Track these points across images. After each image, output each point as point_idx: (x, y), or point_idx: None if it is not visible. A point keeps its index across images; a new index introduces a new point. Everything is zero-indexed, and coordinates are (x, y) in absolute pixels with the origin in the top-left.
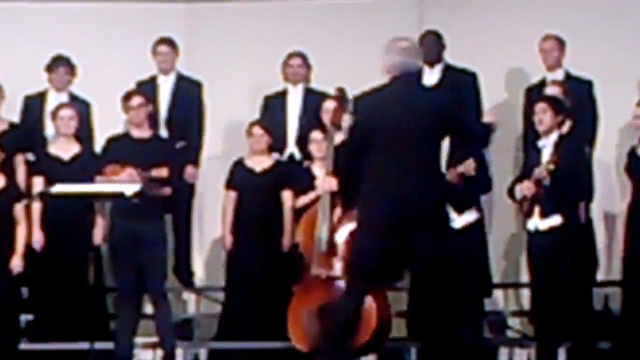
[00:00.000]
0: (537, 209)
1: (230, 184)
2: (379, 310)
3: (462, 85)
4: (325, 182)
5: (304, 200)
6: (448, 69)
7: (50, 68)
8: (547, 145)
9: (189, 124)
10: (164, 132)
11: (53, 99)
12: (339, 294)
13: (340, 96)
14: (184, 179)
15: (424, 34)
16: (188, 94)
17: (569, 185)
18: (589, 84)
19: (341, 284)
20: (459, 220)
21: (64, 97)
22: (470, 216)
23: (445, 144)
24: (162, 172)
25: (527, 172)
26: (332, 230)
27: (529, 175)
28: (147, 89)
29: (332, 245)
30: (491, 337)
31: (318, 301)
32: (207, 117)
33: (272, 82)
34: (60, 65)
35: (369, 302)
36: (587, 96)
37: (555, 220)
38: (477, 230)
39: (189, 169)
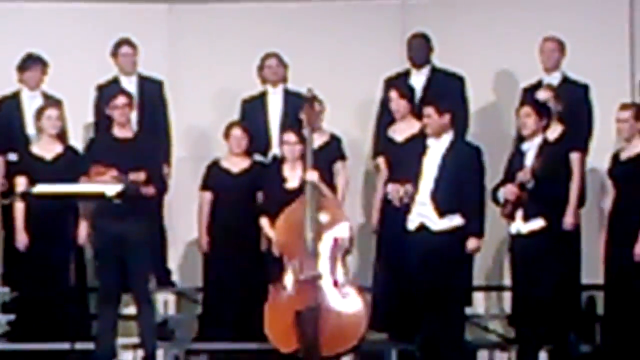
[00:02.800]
0: (519, 213)
1: (206, 185)
2: (367, 316)
3: (449, 88)
4: (308, 174)
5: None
6: (435, 72)
7: (23, 67)
8: (530, 149)
9: (156, 124)
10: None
11: (28, 98)
12: (322, 295)
13: (311, 96)
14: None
15: (412, 36)
16: (152, 93)
17: (552, 189)
18: (585, 88)
19: (326, 284)
20: (439, 224)
21: (37, 96)
22: (452, 220)
23: None
24: (140, 175)
25: (510, 176)
26: (318, 229)
27: (512, 179)
28: (111, 91)
29: (317, 244)
30: (471, 339)
31: (310, 303)
32: (172, 116)
33: (251, 84)
34: (34, 64)
35: (362, 307)
36: (583, 100)
37: (538, 223)
38: (460, 235)
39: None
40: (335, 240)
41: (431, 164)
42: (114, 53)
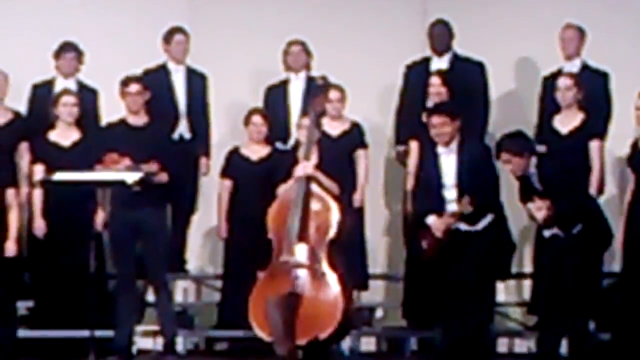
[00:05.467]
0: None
1: (225, 173)
2: (345, 303)
3: (470, 74)
4: (301, 166)
5: (283, 187)
6: (456, 58)
7: (58, 54)
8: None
9: (199, 117)
10: (184, 124)
11: (61, 86)
12: (298, 282)
13: (324, 84)
14: (199, 170)
15: (434, 22)
16: (197, 86)
17: (577, 205)
18: (604, 76)
19: (302, 272)
20: (475, 227)
21: (71, 84)
22: (483, 222)
23: None
24: (152, 167)
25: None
26: (305, 216)
27: (530, 188)
28: (159, 76)
29: (303, 232)
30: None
31: (283, 288)
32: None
33: (274, 71)
34: (68, 51)
35: (337, 294)
36: (603, 88)
37: (578, 228)
38: (493, 230)
39: (203, 161)
40: (321, 228)
41: (447, 175)
42: (167, 39)
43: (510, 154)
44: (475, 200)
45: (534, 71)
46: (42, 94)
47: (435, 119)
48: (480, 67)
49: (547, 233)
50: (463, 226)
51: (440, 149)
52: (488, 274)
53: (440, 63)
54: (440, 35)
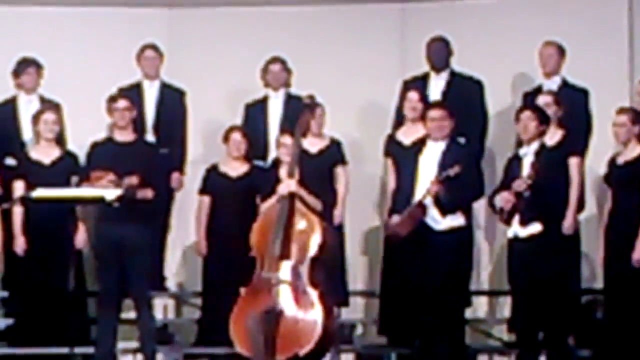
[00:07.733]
0: (516, 218)
1: (204, 190)
2: (325, 320)
3: (468, 93)
4: (284, 184)
5: (266, 204)
6: (454, 76)
7: (18, 71)
8: (528, 154)
9: (173, 131)
10: (151, 138)
11: (25, 103)
12: (278, 299)
13: (311, 103)
14: (170, 185)
15: (432, 39)
16: (172, 101)
17: (550, 195)
18: (584, 93)
19: (285, 288)
20: (443, 222)
21: (34, 100)
22: (454, 220)
23: None
24: (132, 179)
25: (507, 181)
26: (288, 233)
27: (509, 185)
28: (132, 94)
29: (286, 248)
30: (471, 343)
31: (265, 305)
32: (190, 124)
33: (253, 88)
34: (29, 67)
35: (317, 311)
36: (582, 105)
37: (535, 227)
38: (462, 236)
39: (175, 176)
40: (303, 246)
41: (429, 164)
42: (139, 57)
43: (533, 113)
44: (461, 169)
45: (510, 88)
46: (6, 112)
47: (436, 112)
48: (478, 84)
49: (509, 233)
50: (434, 223)
51: (429, 143)
52: (458, 283)
53: (438, 80)
54: (438, 52)
